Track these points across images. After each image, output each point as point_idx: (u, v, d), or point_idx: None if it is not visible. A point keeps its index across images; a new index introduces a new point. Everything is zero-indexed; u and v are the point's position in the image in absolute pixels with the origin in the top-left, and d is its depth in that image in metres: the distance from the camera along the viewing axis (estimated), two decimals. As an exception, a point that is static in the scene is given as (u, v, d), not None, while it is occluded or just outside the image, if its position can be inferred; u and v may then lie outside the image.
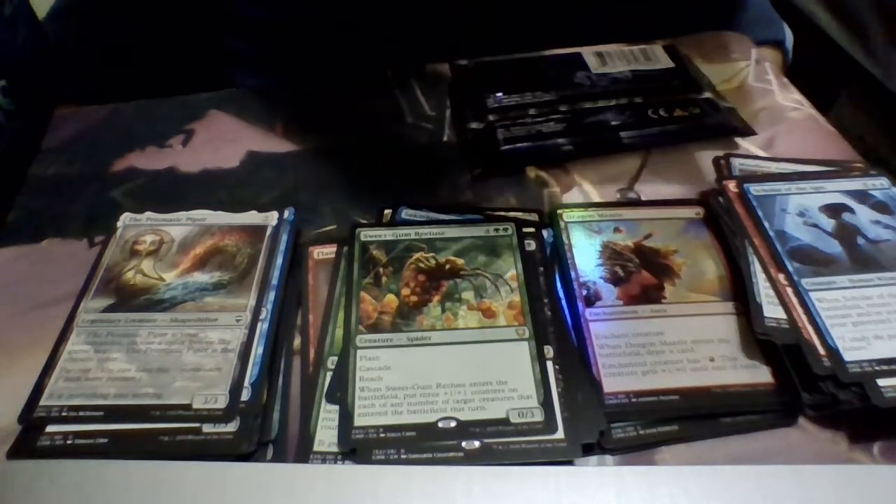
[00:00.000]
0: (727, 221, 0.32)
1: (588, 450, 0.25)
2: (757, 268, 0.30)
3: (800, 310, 0.28)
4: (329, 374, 0.27)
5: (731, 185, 0.33)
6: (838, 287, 0.29)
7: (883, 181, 0.33)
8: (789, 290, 0.28)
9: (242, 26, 0.50)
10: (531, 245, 0.32)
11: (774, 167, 0.35)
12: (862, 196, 0.32)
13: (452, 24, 0.47)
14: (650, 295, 0.30)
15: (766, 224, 0.31)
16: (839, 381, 0.25)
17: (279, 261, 0.31)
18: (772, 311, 0.28)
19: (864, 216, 0.32)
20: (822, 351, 0.26)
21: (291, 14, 0.48)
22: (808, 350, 0.26)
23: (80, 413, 0.26)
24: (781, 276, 0.29)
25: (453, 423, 0.26)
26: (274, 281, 0.31)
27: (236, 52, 0.49)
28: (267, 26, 0.49)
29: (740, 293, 0.30)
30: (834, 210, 0.32)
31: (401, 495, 0.23)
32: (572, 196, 0.35)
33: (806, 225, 0.31)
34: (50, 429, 0.26)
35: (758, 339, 0.28)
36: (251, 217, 0.33)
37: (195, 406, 0.26)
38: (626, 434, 0.26)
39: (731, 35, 0.47)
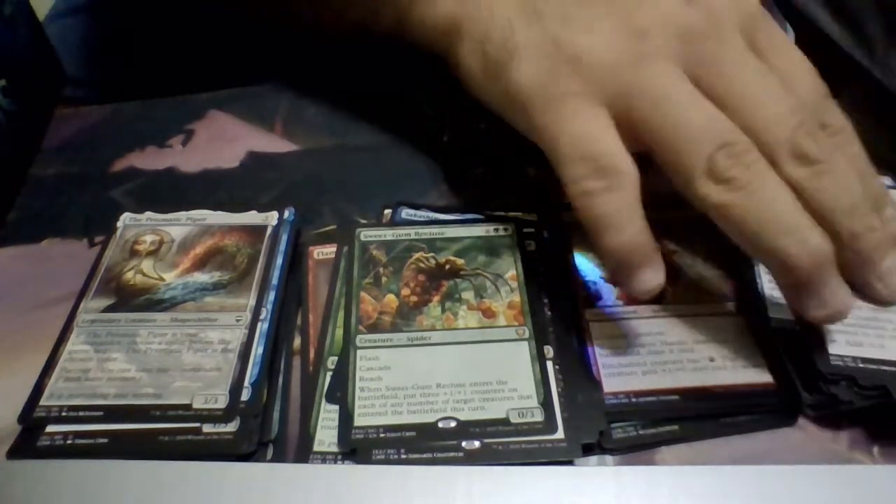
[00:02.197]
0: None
1: (588, 450, 0.25)
2: (761, 268, 0.30)
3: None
4: (329, 374, 0.27)
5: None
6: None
7: (885, 181, 0.33)
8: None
9: (243, 27, 0.50)
10: (531, 245, 0.32)
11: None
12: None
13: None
14: (650, 295, 0.30)
15: None
16: (856, 381, 0.25)
17: (279, 261, 0.31)
18: (776, 311, 0.28)
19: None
20: (835, 351, 0.26)
21: (291, 14, 0.48)
22: (820, 351, 0.26)
23: (80, 413, 0.26)
24: None
25: (453, 423, 0.26)
26: (274, 281, 0.31)
27: (237, 51, 0.49)
28: (267, 26, 0.49)
29: (740, 293, 0.30)
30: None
31: (401, 495, 0.23)
32: (572, 196, 0.35)
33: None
34: (50, 429, 0.26)
35: (758, 339, 0.28)
36: (251, 217, 0.33)
37: (195, 406, 0.26)
38: (626, 434, 0.26)
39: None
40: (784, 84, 0.26)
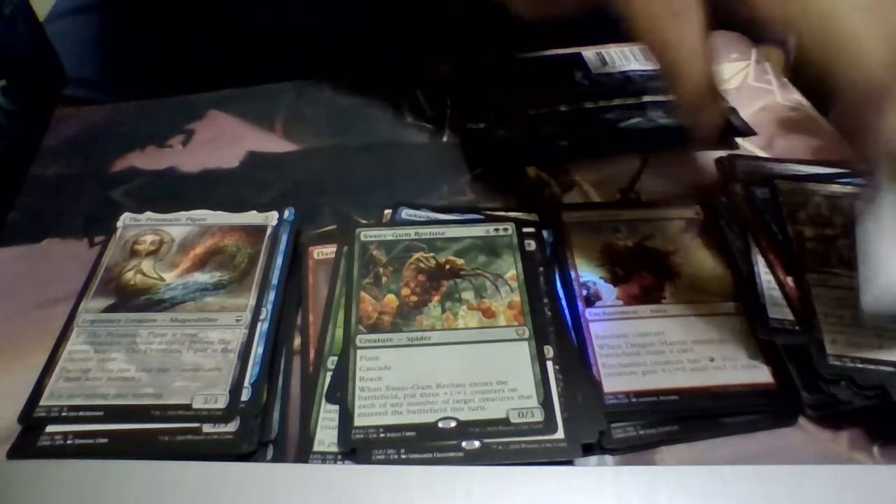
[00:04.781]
0: (729, 222, 0.32)
1: (588, 450, 0.25)
2: (762, 269, 0.29)
3: (814, 311, 0.27)
4: (329, 374, 0.27)
5: (738, 188, 0.33)
6: (853, 288, 0.28)
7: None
8: (801, 293, 0.28)
9: (242, 27, 0.50)
10: (531, 245, 0.32)
11: (777, 168, 0.35)
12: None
13: (452, 24, 0.47)
14: (650, 295, 0.30)
15: (775, 227, 0.31)
16: (854, 381, 0.25)
17: (279, 261, 0.31)
18: (777, 312, 0.28)
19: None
20: (833, 351, 0.26)
21: (292, 16, 0.48)
22: (819, 351, 0.26)
23: (80, 413, 0.26)
24: (790, 279, 0.29)
25: (453, 423, 0.26)
26: (274, 281, 0.31)
27: (237, 52, 0.49)
28: (267, 28, 0.49)
29: (740, 293, 0.30)
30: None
31: (401, 495, 0.23)
32: (572, 196, 0.35)
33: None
34: (50, 429, 0.26)
35: (758, 339, 0.28)
36: (251, 217, 0.33)
37: (195, 406, 0.26)
38: (626, 434, 0.26)
39: (731, 35, 0.46)
40: None
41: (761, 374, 0.27)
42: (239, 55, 0.49)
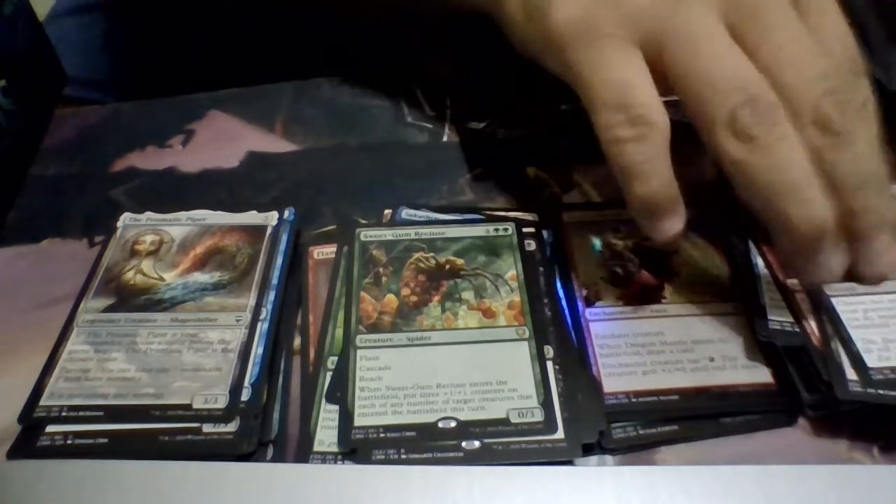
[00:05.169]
0: (729, 222, 0.32)
1: (588, 450, 0.25)
2: (761, 270, 0.29)
3: (818, 316, 0.27)
4: (329, 374, 0.27)
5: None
6: (858, 292, 0.28)
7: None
8: (802, 295, 0.28)
9: (243, 27, 0.50)
10: (531, 245, 0.32)
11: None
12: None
13: (452, 24, 0.47)
14: (650, 295, 0.30)
15: None
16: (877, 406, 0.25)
17: (279, 261, 0.31)
18: (776, 313, 0.28)
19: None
20: (853, 377, 0.26)
21: (291, 16, 0.48)
22: (828, 357, 0.26)
23: (80, 413, 0.26)
24: (793, 281, 0.29)
25: (453, 423, 0.26)
26: (274, 281, 0.31)
27: (237, 52, 0.49)
28: (267, 28, 0.49)
29: (740, 293, 0.30)
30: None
31: (401, 495, 0.23)
32: (572, 196, 0.35)
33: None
34: (50, 429, 0.26)
35: (759, 339, 0.28)
36: (251, 217, 0.33)
37: (195, 406, 0.26)
38: (626, 434, 0.26)
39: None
40: (820, 47, 0.26)
41: (761, 374, 0.27)
42: (239, 55, 0.49)
